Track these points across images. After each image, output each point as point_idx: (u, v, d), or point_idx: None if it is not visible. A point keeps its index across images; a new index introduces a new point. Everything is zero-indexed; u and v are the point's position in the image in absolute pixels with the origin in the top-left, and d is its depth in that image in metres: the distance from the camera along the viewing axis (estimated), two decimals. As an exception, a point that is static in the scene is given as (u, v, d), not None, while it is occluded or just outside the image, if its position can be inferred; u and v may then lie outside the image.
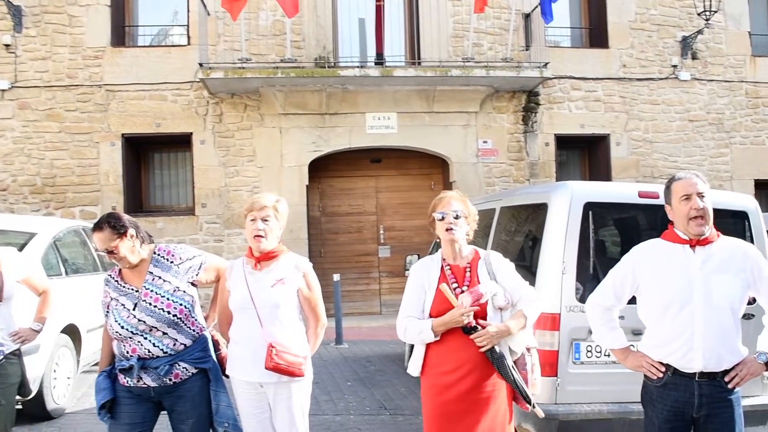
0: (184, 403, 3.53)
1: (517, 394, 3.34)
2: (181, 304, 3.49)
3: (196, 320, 3.59)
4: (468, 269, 3.44)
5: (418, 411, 6.24)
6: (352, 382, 7.83)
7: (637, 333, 4.16)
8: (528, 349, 3.45)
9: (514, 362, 3.37)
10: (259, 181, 12.22)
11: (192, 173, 12.37)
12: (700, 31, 13.16)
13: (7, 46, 11.80)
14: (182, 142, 12.40)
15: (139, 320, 3.43)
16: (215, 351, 3.71)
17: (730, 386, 3.13)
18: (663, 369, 3.19)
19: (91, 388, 6.87)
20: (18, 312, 4.12)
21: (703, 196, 3.17)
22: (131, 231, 3.51)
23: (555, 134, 13.14)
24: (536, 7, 12.15)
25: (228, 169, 12.24)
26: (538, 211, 5.07)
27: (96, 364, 6.67)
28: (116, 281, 3.60)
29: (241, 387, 3.57)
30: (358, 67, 12.29)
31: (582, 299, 4.53)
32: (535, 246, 4.99)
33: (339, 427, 6.15)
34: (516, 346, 3.36)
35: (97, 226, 3.47)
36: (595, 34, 13.69)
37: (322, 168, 12.79)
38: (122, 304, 3.49)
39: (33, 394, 5.83)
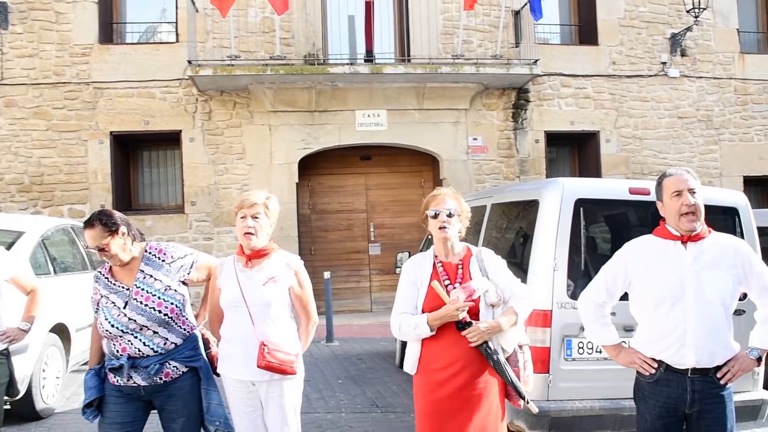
0: (175, 402, 3.51)
1: (510, 391, 3.34)
2: (172, 303, 3.47)
3: (186, 319, 3.57)
4: (460, 266, 3.44)
5: (409, 408, 6.24)
6: (344, 380, 7.81)
7: (628, 329, 4.17)
8: (520, 346, 3.45)
9: (506, 359, 3.37)
10: (248, 178, 12.18)
11: (181, 171, 12.31)
12: (689, 28, 13.19)
13: (-7, 43, 11.72)
14: (171, 140, 12.34)
15: (130, 319, 3.40)
16: (205, 349, 3.69)
17: (722, 382, 3.13)
18: (655, 365, 3.19)
19: (80, 387, 6.82)
20: (6, 311, 4.09)
21: (694, 192, 3.17)
22: (123, 228, 3.48)
23: (545, 131, 13.15)
24: (526, 4, 12.16)
25: (217, 166, 12.18)
26: (529, 207, 5.07)
27: (85, 364, 6.63)
28: (106, 278, 3.56)
29: (233, 385, 3.55)
30: (347, 64, 12.26)
31: (573, 296, 4.54)
32: (527, 243, 4.99)
33: (330, 425, 6.13)
34: (507, 344, 3.35)
35: (89, 223, 3.44)
36: (585, 31, 13.72)
37: (311, 165, 12.75)
38: (112, 302, 3.46)
39: (22, 394, 5.76)
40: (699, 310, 3.10)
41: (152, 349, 3.42)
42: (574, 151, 14.17)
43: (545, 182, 5.18)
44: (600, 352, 4.56)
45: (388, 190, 13.38)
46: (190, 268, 3.61)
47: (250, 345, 3.40)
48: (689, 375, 3.12)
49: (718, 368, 3.13)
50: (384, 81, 12.13)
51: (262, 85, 11.90)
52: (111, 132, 11.95)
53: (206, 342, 3.72)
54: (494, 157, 12.93)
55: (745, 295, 3.34)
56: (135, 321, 3.39)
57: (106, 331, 3.42)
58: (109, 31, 12.48)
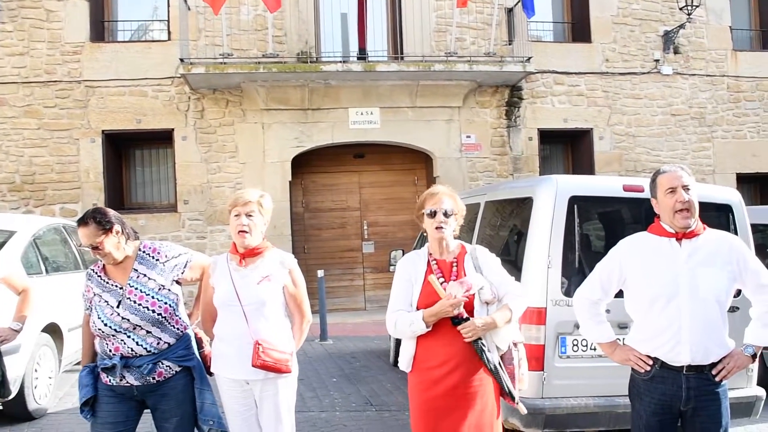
0: (168, 402, 3.48)
1: (504, 389, 3.33)
2: (166, 303, 3.44)
3: (180, 318, 3.54)
4: (454, 264, 3.44)
5: (404, 407, 6.24)
6: (338, 379, 7.80)
7: (623, 327, 4.17)
8: (515, 344, 3.44)
9: (501, 357, 3.36)
10: (241, 177, 12.15)
11: (174, 170, 12.27)
12: (681, 26, 13.23)
13: (-17, 41, 11.64)
14: (163, 139, 12.30)
15: (123, 318, 3.37)
16: (198, 349, 3.66)
17: (717, 379, 3.13)
18: (650, 362, 3.19)
19: (73, 387, 6.81)
20: (-3, 311, 4.06)
21: (688, 189, 3.17)
22: (117, 227, 3.45)
23: (538, 129, 13.17)
24: (519, 1, 12.15)
25: (210, 165, 12.15)
26: (523, 205, 5.06)
27: (78, 363, 6.60)
28: (99, 276, 3.54)
29: (227, 384, 3.53)
30: (340, 62, 12.22)
31: (568, 293, 4.54)
32: (521, 240, 4.98)
33: (324, 423, 6.12)
34: (501, 341, 3.35)
35: (82, 221, 3.41)
36: (578, 28, 13.73)
37: (304, 164, 12.73)
38: (105, 301, 3.43)
39: (14, 395, 5.76)
40: (694, 307, 3.10)
41: (145, 348, 3.39)
42: (568, 148, 14.19)
43: (539, 179, 5.17)
44: (594, 349, 4.56)
45: (381, 188, 13.37)
46: (184, 267, 3.58)
47: (245, 344, 3.39)
48: (684, 372, 3.12)
49: (713, 365, 3.13)
50: (377, 79, 12.12)
51: (255, 83, 11.87)
52: (103, 131, 11.90)
53: (199, 341, 3.69)
54: (487, 154, 12.94)
55: (738, 292, 3.34)
56: (128, 320, 3.37)
57: (99, 330, 3.40)
58: (101, 29, 12.42)
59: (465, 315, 3.24)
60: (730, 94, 13.87)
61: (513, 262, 4.91)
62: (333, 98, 12.30)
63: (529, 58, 12.23)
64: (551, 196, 4.73)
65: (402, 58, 12.42)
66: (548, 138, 13.51)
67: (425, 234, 3.56)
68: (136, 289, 3.43)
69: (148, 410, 3.58)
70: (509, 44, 12.82)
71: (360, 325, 11.55)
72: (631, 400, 3.34)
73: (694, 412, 3.13)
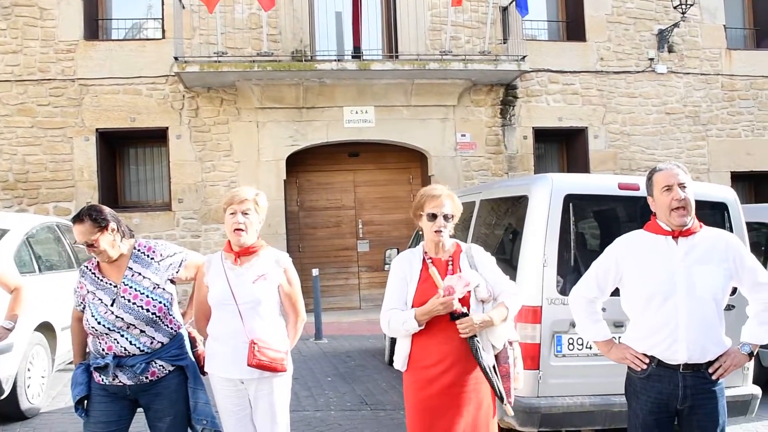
0: (161, 401, 3.46)
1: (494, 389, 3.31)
2: (160, 302, 3.42)
3: (173, 318, 3.52)
4: (450, 262, 3.42)
5: (399, 406, 6.23)
6: (332, 378, 7.78)
7: (619, 325, 4.17)
8: (510, 343, 3.43)
9: (496, 356, 3.35)
10: (236, 175, 12.11)
11: (168, 168, 12.24)
12: (676, 25, 13.24)
13: (-24, 39, 11.58)
14: (158, 137, 12.26)
15: (117, 317, 3.35)
16: (192, 348, 3.64)
17: (714, 377, 3.12)
18: (647, 361, 3.18)
19: (66, 386, 6.78)
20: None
21: (684, 187, 3.16)
22: (112, 225, 3.43)
23: (533, 127, 13.17)
24: (513, 0, 12.14)
25: (204, 163, 12.12)
26: (519, 203, 5.05)
27: (71, 363, 6.57)
28: (93, 273, 3.51)
29: (221, 384, 3.51)
30: (335, 60, 12.21)
31: (563, 291, 4.54)
32: (516, 239, 4.98)
33: (319, 422, 6.10)
34: (496, 340, 3.34)
35: (78, 218, 3.39)
36: (573, 27, 13.74)
37: (299, 162, 12.71)
38: (99, 299, 3.40)
39: (6, 394, 5.74)
40: (690, 305, 3.09)
41: (138, 348, 3.37)
42: (563, 147, 14.20)
43: (534, 178, 5.17)
44: (590, 348, 4.56)
45: (376, 186, 13.36)
46: (179, 266, 3.56)
47: (240, 343, 3.37)
48: (681, 370, 3.11)
49: (710, 363, 3.12)
50: (372, 77, 12.10)
51: (250, 82, 11.84)
52: (97, 129, 11.86)
53: (193, 340, 3.67)
54: (482, 153, 12.94)
55: (734, 290, 3.33)
56: (122, 319, 3.35)
57: (92, 328, 3.37)
58: (95, 27, 12.38)
59: (461, 311, 3.21)
60: (724, 93, 13.90)
61: (508, 260, 4.90)
62: (328, 97, 12.28)
63: (524, 56, 12.22)
64: (546, 195, 4.72)
65: (397, 56, 12.40)
66: (543, 137, 13.51)
67: (421, 232, 3.54)
68: (131, 287, 3.41)
69: (142, 409, 3.55)
70: (504, 43, 12.82)
71: (355, 324, 11.54)
72: (628, 398, 3.33)
73: (691, 410, 3.12)
